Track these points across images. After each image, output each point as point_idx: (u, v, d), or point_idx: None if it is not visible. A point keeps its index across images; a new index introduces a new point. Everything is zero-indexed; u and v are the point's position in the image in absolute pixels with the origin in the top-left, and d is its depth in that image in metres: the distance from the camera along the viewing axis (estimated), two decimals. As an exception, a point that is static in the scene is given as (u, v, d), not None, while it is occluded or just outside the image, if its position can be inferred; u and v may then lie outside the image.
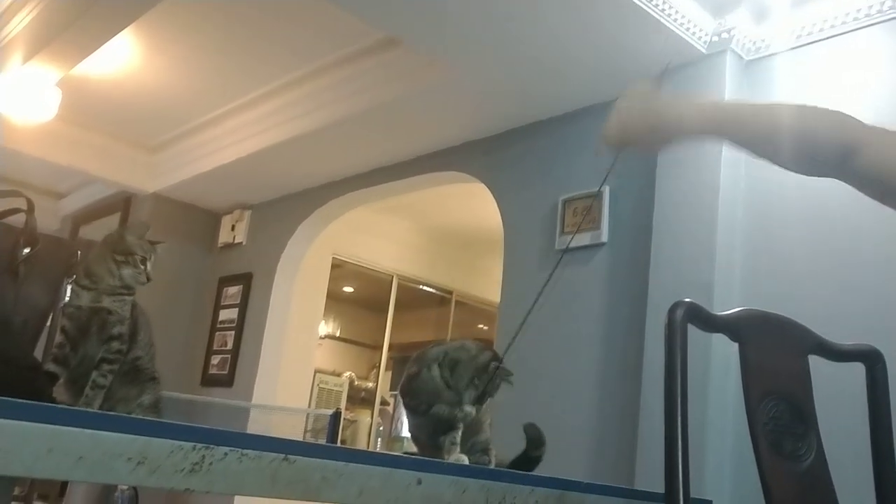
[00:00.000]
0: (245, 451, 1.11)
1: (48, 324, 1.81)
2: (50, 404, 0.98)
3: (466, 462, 1.53)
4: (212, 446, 1.07)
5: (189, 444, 1.05)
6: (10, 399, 0.94)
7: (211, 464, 1.07)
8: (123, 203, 6.30)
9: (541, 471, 1.78)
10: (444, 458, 1.59)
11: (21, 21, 4.22)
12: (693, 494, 1.36)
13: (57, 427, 0.94)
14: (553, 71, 3.54)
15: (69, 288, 1.44)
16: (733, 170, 3.07)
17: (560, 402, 3.46)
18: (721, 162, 3.05)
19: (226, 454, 1.09)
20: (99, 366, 1.70)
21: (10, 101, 4.41)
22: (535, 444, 1.76)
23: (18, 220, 1.40)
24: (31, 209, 1.34)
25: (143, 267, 1.72)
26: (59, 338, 1.73)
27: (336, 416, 3.39)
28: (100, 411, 1.12)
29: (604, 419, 3.30)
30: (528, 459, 1.75)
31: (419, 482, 1.30)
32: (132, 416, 1.73)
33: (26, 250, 1.29)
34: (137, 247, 1.69)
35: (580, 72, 3.52)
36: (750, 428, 1.38)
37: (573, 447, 3.33)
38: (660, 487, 1.39)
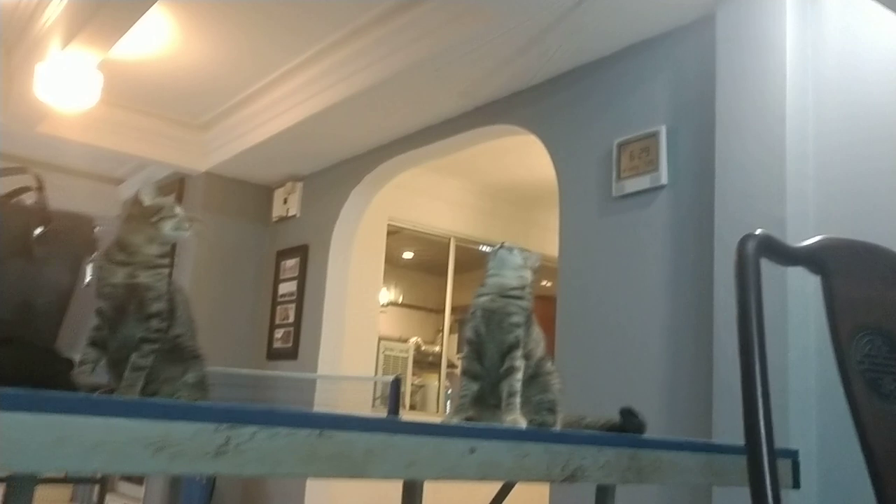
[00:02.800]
0: (275, 429, 1.01)
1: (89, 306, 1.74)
2: (58, 392, 0.90)
3: (524, 425, 1.41)
4: (237, 426, 0.98)
5: (212, 426, 0.96)
6: (14, 390, 0.86)
7: (238, 445, 0.98)
8: (178, 184, 6.32)
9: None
10: (503, 407, 1.46)
11: (58, 7, 4.20)
12: (777, 445, 1.23)
13: (68, 416, 0.86)
14: (596, 8, 3.34)
15: (90, 266, 1.36)
16: (800, 93, 2.86)
17: (628, 354, 3.32)
18: (786, 87, 2.84)
19: (254, 433, 1.00)
20: (139, 346, 1.63)
21: (54, 89, 4.41)
22: (634, 430, 1.62)
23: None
24: (40, 186, 1.26)
25: (179, 213, 1.66)
26: (95, 320, 1.67)
27: (397, 383, 3.32)
28: (114, 397, 1.04)
29: (675, 369, 3.15)
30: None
31: (472, 451, 1.19)
32: (156, 398, 1.66)
33: (39, 229, 1.21)
34: (161, 202, 1.64)
35: (626, 6, 3.32)
36: (840, 368, 1.23)
37: (644, 400, 3.19)
38: (739, 439, 1.26)
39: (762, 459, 1.16)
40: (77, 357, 1.61)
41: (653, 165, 3.37)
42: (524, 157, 5.39)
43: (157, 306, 1.65)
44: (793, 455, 1.66)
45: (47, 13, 4.31)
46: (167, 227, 1.66)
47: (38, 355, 1.07)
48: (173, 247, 5.88)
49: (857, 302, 1.21)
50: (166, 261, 1.67)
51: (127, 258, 1.64)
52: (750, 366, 1.16)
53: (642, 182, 3.40)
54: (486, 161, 5.88)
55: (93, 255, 1.37)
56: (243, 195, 6.16)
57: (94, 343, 1.65)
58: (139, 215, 1.63)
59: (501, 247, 1.66)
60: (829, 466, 2.41)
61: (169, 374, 1.70)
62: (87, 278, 1.41)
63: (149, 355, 1.64)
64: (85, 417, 0.88)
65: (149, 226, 1.64)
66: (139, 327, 1.64)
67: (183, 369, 1.72)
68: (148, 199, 1.59)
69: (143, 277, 1.64)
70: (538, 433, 1.35)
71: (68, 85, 4.41)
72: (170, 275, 1.69)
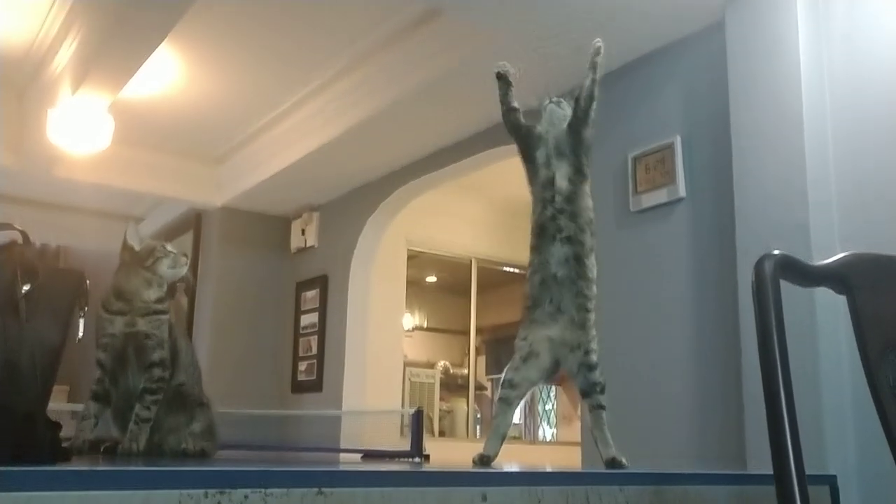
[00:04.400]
0: (269, 490, 0.95)
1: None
2: (24, 468, 0.84)
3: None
4: (227, 490, 0.92)
5: (199, 492, 0.90)
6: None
7: (229, 510, 0.92)
8: (195, 220, 6.32)
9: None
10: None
11: (66, 52, 4.23)
12: (813, 471, 1.15)
13: (34, 494, 0.81)
14: (605, 22, 3.29)
15: (82, 321, 1.32)
16: (817, 95, 2.77)
17: (654, 376, 3.23)
18: (801, 89, 2.76)
19: (246, 496, 0.94)
20: (141, 397, 1.59)
21: (67, 133, 4.43)
22: None
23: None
24: (26, 241, 1.21)
25: (172, 251, 1.63)
26: (96, 372, 1.63)
27: (418, 415, 3.25)
28: (88, 467, 0.98)
29: (703, 388, 3.05)
30: None
31: (484, 498, 1.12)
32: (136, 468, 1.61)
33: (26, 286, 1.16)
34: (151, 244, 1.61)
35: (635, 18, 3.27)
36: (871, 390, 1.17)
37: (673, 423, 3.10)
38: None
39: (792, 489, 1.09)
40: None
41: (669, 177, 3.29)
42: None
43: (157, 354, 1.61)
44: (831, 480, 1.57)
45: (57, 59, 4.34)
46: (163, 267, 1.63)
47: (18, 423, 1.02)
48: (194, 294, 5.82)
49: (885, 319, 1.13)
50: (165, 306, 1.64)
51: (125, 306, 1.60)
52: (774, 393, 1.10)
53: (659, 195, 3.33)
54: (502, 179, 5.79)
55: (84, 310, 1.32)
56: (260, 228, 6.14)
57: (95, 397, 1.62)
58: (132, 261, 1.60)
59: (550, 101, 1.66)
60: (871, 490, 2.30)
61: (174, 424, 1.66)
62: (80, 334, 1.37)
63: (152, 406, 1.59)
64: (55, 493, 0.83)
65: (144, 269, 1.60)
66: (140, 377, 1.60)
67: (188, 418, 1.68)
68: (137, 244, 1.56)
69: (142, 325, 1.60)
70: (553, 475, 1.28)
71: (80, 128, 4.43)
72: (170, 321, 1.65)
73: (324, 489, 0.99)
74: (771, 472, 1.40)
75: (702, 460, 2.90)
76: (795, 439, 1.11)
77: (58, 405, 1.24)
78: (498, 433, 1.50)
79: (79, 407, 1.71)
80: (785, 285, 1.11)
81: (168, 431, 1.64)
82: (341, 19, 3.95)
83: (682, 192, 3.24)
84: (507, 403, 1.52)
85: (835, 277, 1.14)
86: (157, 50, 3.83)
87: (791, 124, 2.77)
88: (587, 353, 1.51)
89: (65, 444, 1.25)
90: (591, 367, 1.50)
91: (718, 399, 2.97)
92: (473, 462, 1.46)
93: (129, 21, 3.53)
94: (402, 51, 4.06)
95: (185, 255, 1.68)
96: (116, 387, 1.62)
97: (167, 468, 1.01)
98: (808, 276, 1.14)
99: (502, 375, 1.57)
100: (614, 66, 3.64)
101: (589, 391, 1.51)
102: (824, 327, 2.43)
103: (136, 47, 3.77)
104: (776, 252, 1.07)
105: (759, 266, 1.08)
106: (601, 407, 1.50)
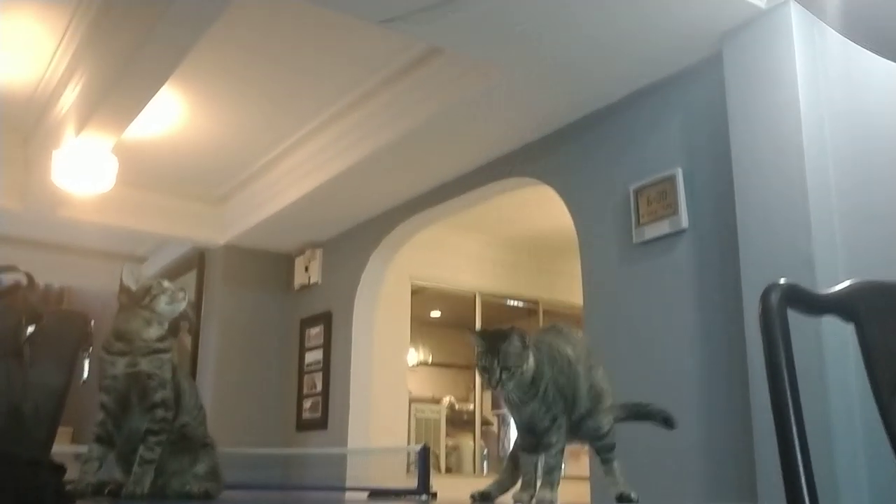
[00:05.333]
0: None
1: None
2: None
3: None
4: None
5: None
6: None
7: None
8: (198, 259, 6.33)
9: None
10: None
11: (70, 95, 4.26)
12: (825, 505, 1.13)
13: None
14: (604, 56, 3.32)
15: (87, 362, 1.31)
16: (816, 124, 2.78)
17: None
18: (801, 118, 2.77)
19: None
20: (145, 439, 1.57)
21: (71, 174, 4.45)
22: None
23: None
24: (30, 284, 1.21)
25: (169, 287, 1.62)
26: (99, 414, 1.61)
27: (424, 452, 3.22)
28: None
29: (713, 423, 3.02)
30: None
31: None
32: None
33: (30, 329, 1.16)
34: (147, 282, 1.60)
35: (633, 51, 3.29)
36: (885, 425, 1.14)
37: (683, 459, 3.06)
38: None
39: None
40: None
41: (671, 209, 3.30)
42: (544, 207, 5.33)
43: (160, 395, 1.60)
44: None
45: (62, 101, 4.38)
46: (162, 304, 1.62)
47: (21, 469, 1.01)
48: (197, 332, 5.80)
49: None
50: (167, 345, 1.63)
51: (125, 347, 1.59)
52: (786, 428, 1.07)
53: (662, 227, 3.33)
54: (505, 213, 5.82)
55: (88, 352, 1.31)
56: (264, 265, 6.15)
57: (98, 439, 1.60)
58: (130, 301, 1.59)
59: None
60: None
61: (178, 466, 1.64)
62: (84, 375, 1.36)
63: (155, 447, 1.58)
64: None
65: (143, 308, 1.60)
66: (144, 418, 1.59)
67: (192, 459, 1.66)
68: (133, 284, 1.55)
69: (144, 365, 1.59)
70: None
71: (84, 170, 4.46)
72: (172, 361, 1.64)
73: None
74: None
75: (712, 495, 2.87)
76: (809, 473, 1.08)
77: (61, 447, 1.23)
78: (503, 485, 1.52)
79: (83, 449, 1.69)
80: (792, 314, 1.10)
81: (172, 474, 1.63)
82: (343, 58, 3.99)
83: (684, 223, 3.24)
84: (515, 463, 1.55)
85: (843, 306, 1.13)
86: (159, 92, 3.87)
87: (792, 154, 2.77)
88: (597, 429, 1.54)
89: (68, 488, 1.24)
90: (600, 437, 1.54)
91: (727, 432, 2.94)
92: (473, 498, 1.45)
93: (131, 64, 3.56)
94: (403, 89, 4.10)
95: (183, 290, 1.68)
96: (119, 429, 1.60)
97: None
98: (814, 305, 1.12)
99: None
100: (614, 100, 3.66)
101: (599, 451, 1.59)
102: (832, 359, 2.42)
103: (139, 90, 3.80)
104: (782, 281, 1.07)
105: (765, 296, 1.07)
106: (611, 460, 1.54)
